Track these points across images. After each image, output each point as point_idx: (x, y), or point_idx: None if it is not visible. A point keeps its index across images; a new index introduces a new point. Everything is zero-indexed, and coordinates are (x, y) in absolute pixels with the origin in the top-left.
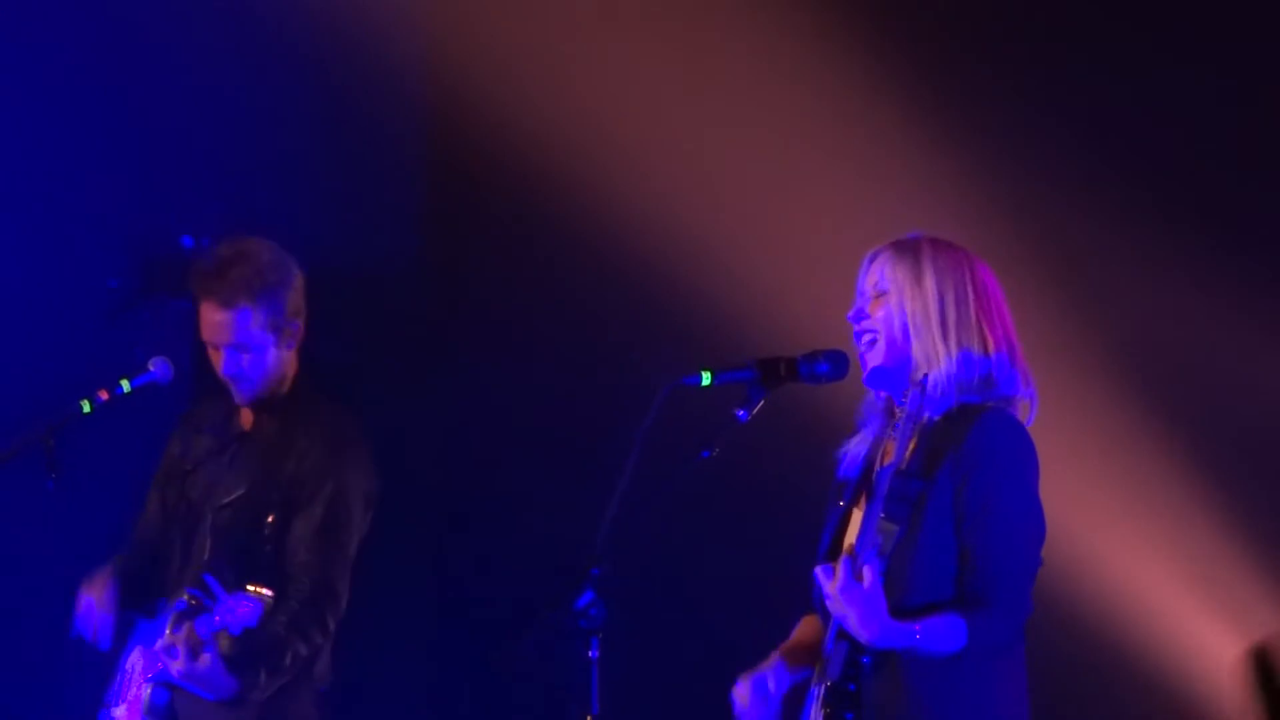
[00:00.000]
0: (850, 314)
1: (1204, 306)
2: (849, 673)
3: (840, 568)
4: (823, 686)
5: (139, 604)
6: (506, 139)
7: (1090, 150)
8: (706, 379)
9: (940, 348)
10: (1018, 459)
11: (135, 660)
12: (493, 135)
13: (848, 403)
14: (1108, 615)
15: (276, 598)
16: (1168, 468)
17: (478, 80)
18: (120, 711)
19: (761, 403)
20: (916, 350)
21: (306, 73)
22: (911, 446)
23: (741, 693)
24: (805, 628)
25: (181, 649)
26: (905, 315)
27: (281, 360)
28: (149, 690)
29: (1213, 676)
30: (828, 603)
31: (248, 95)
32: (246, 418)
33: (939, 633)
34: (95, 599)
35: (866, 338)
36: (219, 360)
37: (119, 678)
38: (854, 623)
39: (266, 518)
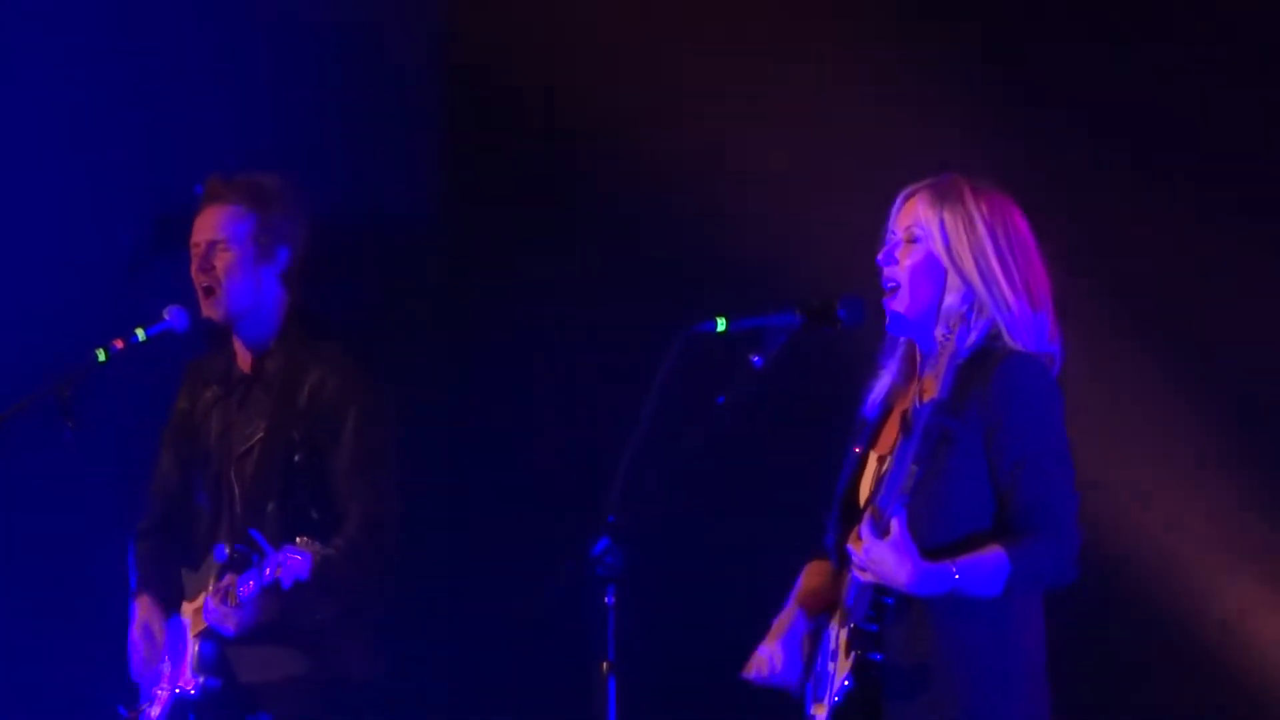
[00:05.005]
0: (880, 256)
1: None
2: (872, 615)
3: (865, 531)
4: (846, 629)
5: (172, 560)
6: (527, 85)
7: (1118, 93)
8: (722, 325)
9: (997, 297)
10: (1048, 403)
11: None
12: (513, 82)
13: (868, 348)
14: (1167, 604)
15: (328, 532)
16: (1225, 450)
17: (497, 27)
18: (167, 667)
19: (778, 349)
20: (951, 299)
21: (322, 24)
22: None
23: (770, 654)
24: (811, 573)
25: (216, 599)
26: (942, 263)
27: (259, 282)
28: (196, 646)
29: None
30: (864, 567)
31: (263, 46)
32: (245, 361)
33: (978, 570)
34: (143, 647)
35: (890, 285)
36: (196, 262)
37: (167, 635)
38: (889, 573)
39: (293, 457)
